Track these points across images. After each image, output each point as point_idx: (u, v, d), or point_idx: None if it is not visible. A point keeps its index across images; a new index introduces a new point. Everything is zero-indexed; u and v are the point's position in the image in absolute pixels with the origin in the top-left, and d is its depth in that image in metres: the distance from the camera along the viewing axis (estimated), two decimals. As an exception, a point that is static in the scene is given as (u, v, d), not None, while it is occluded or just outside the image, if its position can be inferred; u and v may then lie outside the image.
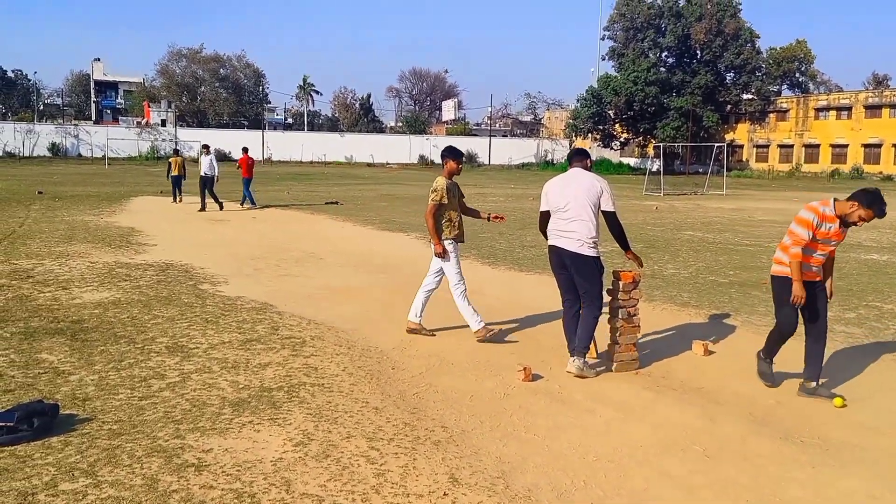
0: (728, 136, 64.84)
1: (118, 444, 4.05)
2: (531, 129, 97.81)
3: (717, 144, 47.03)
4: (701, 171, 52.60)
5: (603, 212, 5.74)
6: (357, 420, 4.56)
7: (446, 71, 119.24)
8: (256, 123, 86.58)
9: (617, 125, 65.16)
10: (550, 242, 5.92)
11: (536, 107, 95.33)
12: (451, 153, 6.91)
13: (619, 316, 5.81)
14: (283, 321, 7.11)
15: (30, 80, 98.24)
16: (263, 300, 8.10)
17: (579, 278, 5.79)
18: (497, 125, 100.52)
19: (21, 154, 64.14)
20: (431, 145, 76.82)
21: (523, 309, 8.05)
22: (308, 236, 14.49)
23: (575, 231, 5.71)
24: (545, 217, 6.01)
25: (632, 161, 67.76)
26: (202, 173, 19.75)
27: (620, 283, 5.81)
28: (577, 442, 4.40)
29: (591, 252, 5.71)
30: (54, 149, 67.48)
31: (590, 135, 66.37)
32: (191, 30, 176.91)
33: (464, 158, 7.10)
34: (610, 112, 62.96)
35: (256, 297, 8.23)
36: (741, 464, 4.16)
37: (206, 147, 20.92)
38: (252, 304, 7.84)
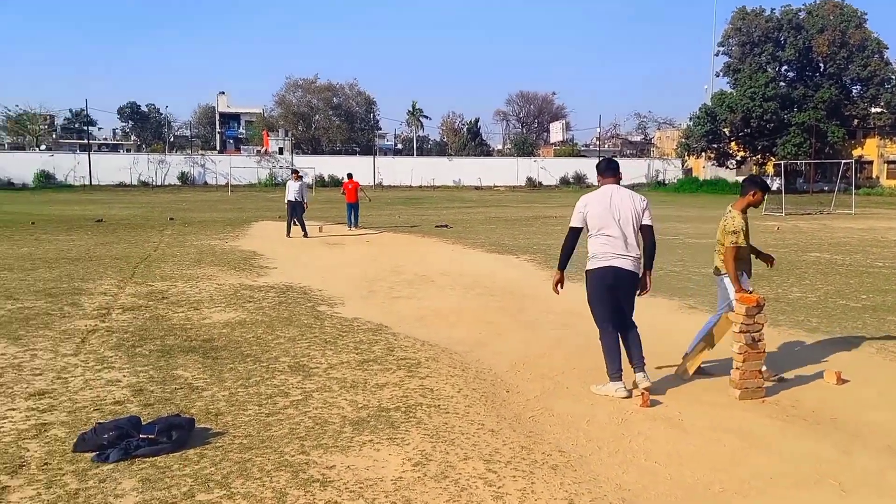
0: (856, 152, 61.14)
1: (249, 457, 4.25)
2: (641, 149, 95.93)
3: (843, 161, 44.49)
4: (826, 189, 49.85)
5: (642, 225, 5.71)
6: (474, 442, 4.59)
7: (554, 93, 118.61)
8: (368, 149, 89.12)
9: (733, 143, 62.81)
10: (606, 264, 5.66)
11: (647, 126, 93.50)
12: (756, 184, 6.21)
13: (743, 341, 5.58)
14: (397, 342, 7.25)
15: (162, 114, 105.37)
16: (378, 322, 8.30)
17: (628, 298, 5.77)
18: (606, 146, 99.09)
19: (154, 183, 68.72)
20: (539, 167, 76.68)
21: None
22: (419, 259, 14.74)
23: (630, 251, 5.65)
24: (575, 234, 5.86)
25: (749, 180, 65.07)
26: (290, 199, 19.66)
27: (744, 308, 5.59)
28: (700, 472, 4.25)
29: (639, 271, 5.73)
30: (183, 177, 71.81)
31: (703, 154, 64.35)
32: (306, 61, 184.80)
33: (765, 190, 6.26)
34: (725, 130, 60.80)
35: (372, 319, 8.44)
36: (880, 499, 3.90)
37: (295, 172, 21.30)
38: (368, 326, 8.05)
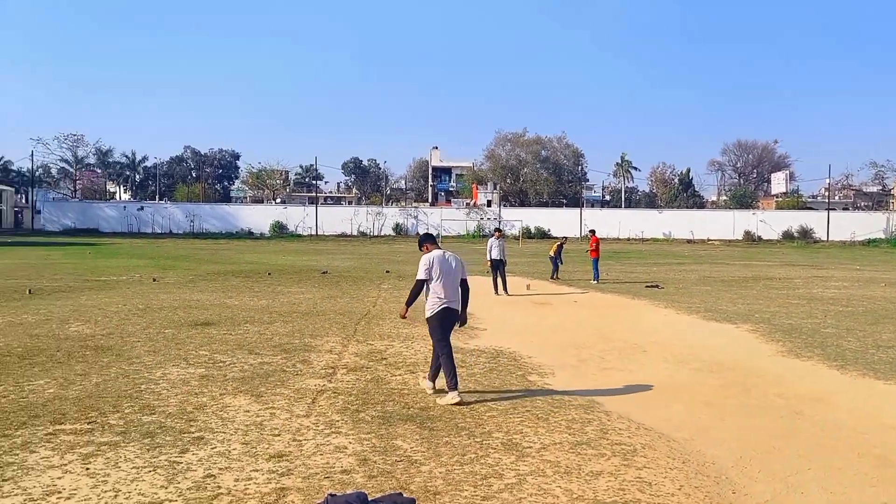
0: None
1: (466, 546, 4.29)
2: (878, 200, 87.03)
3: None
4: None
5: None
6: (698, 553, 4.31)
7: (776, 141, 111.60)
8: (575, 201, 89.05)
9: None
10: None
11: (885, 176, 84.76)
12: None
13: None
14: (611, 424, 7.05)
15: (380, 168, 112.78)
16: (590, 397, 8.14)
17: None
18: (836, 197, 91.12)
19: (371, 233, 73.50)
20: (759, 220, 72.13)
21: (883, 428, 7.02)
22: (629, 324, 14.33)
23: None
24: None
25: None
26: (494, 257, 19.85)
27: None
28: None
29: None
30: (398, 228, 76.17)
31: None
32: (515, 115, 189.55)
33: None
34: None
35: (582, 393, 8.30)
36: None
37: (498, 230, 21.70)
38: (579, 402, 7.92)
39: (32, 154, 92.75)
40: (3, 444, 5.99)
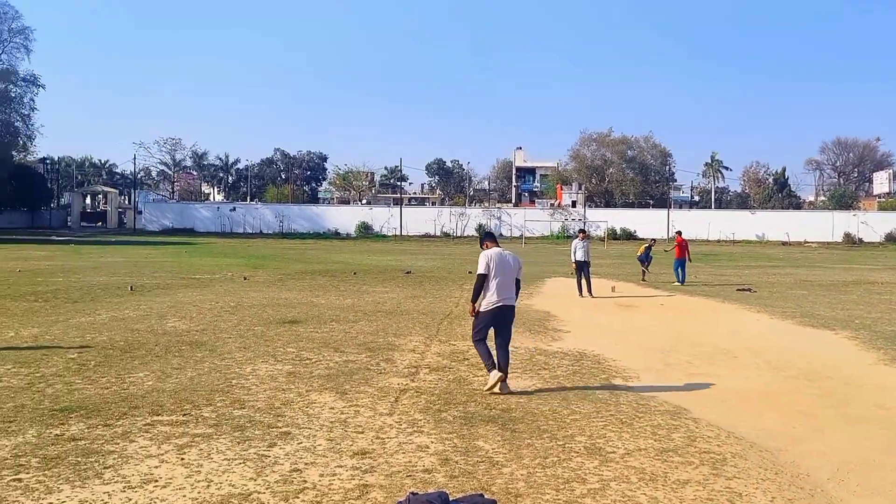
0: None
1: (547, 550, 4.25)
2: None
3: None
4: None
5: None
6: (792, 568, 4.13)
7: (878, 139, 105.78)
8: (662, 202, 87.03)
9: None
10: None
11: None
12: None
13: None
14: (699, 431, 6.84)
15: (463, 169, 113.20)
16: (676, 402, 7.93)
17: None
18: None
19: (454, 234, 73.81)
20: (860, 222, 68.67)
21: None
22: (718, 328, 13.88)
23: None
24: None
25: None
26: (578, 259, 19.64)
27: None
28: None
29: None
30: (481, 229, 76.18)
31: None
32: (600, 115, 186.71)
33: None
34: None
35: (669, 399, 8.09)
36: None
37: (582, 231, 21.67)
38: (665, 407, 7.72)
39: (135, 157, 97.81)
40: (105, 434, 6.32)
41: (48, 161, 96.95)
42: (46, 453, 5.76)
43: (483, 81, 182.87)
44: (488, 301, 8.26)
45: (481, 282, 8.29)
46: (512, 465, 5.73)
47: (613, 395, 8.23)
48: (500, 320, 8.33)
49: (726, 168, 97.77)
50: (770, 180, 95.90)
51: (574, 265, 19.89)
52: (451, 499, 4.78)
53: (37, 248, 41.71)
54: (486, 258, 8.30)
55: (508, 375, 8.28)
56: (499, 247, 8.51)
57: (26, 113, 74.69)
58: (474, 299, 8.42)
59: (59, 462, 5.56)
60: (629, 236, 70.54)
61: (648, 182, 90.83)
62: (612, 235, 70.21)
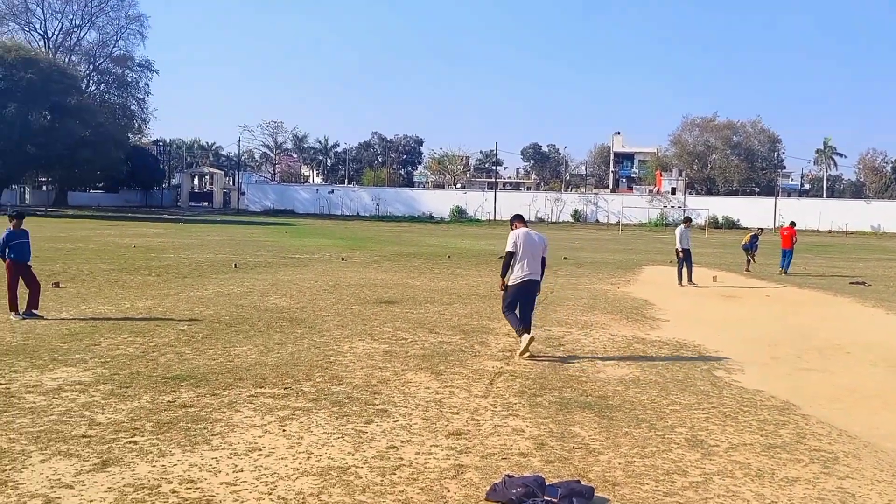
0: None
1: (647, 542, 4.14)
2: None
3: None
4: None
5: None
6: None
7: None
8: (768, 190, 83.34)
9: None
10: None
11: None
12: None
13: None
14: (809, 428, 6.51)
15: (560, 154, 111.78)
16: (784, 398, 7.57)
17: None
18: None
19: (549, 220, 73.07)
20: None
21: None
22: (829, 323, 13.16)
23: None
24: None
25: None
26: (683, 247, 18.92)
27: None
28: None
29: None
30: (576, 215, 75.20)
31: None
32: (705, 100, 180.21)
33: None
34: None
35: (776, 393, 7.73)
36: None
37: (687, 219, 21.19)
38: (772, 402, 7.38)
39: (239, 140, 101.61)
40: (213, 402, 6.59)
41: (161, 143, 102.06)
42: (160, 418, 6.06)
43: (581, 61, 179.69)
44: (516, 276, 8.98)
45: (509, 258, 9.01)
46: (609, 452, 5.62)
47: (716, 386, 7.94)
48: (526, 293, 9.04)
49: (840, 155, 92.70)
50: (888, 168, 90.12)
51: (681, 252, 19.18)
52: (547, 483, 4.73)
53: (150, 226, 44.07)
54: (514, 237, 9.05)
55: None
56: (527, 227, 9.27)
57: (141, 97, 79.02)
58: (503, 274, 9.17)
59: (171, 427, 5.84)
60: (731, 225, 67.96)
61: (754, 169, 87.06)
62: (714, 224, 67.78)
